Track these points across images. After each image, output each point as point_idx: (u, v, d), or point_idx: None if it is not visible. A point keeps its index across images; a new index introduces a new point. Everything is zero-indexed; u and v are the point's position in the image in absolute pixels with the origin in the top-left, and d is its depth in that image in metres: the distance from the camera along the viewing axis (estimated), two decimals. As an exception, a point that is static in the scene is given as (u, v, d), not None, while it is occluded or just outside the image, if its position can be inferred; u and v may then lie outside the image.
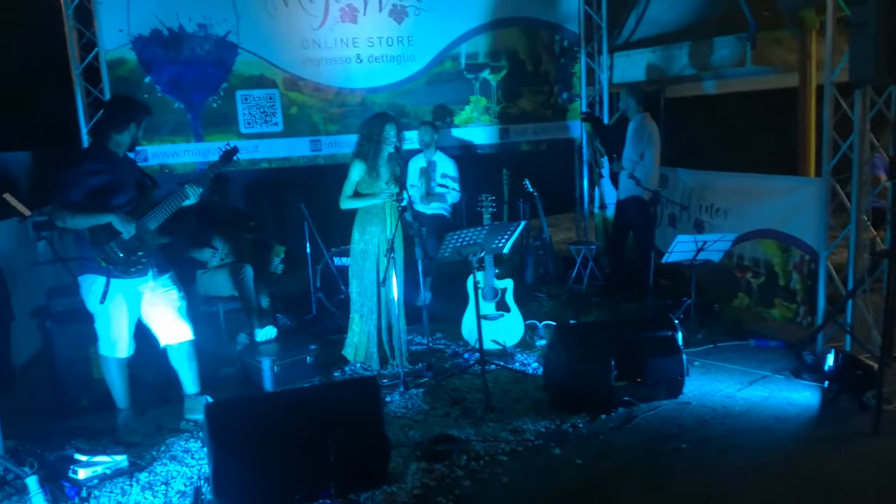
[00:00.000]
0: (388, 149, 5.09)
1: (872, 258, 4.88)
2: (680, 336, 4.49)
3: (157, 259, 4.25)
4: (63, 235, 6.07)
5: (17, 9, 7.61)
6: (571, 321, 6.01)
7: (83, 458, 3.82)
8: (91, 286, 4.11)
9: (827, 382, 4.46)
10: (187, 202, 4.22)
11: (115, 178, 4.10)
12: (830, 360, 4.48)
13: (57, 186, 4.01)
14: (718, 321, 5.82)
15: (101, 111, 4.55)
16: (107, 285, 4.02)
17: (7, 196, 5.50)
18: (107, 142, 4.15)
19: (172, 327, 4.30)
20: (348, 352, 5.36)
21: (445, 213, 6.76)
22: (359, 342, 5.30)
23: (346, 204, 5.19)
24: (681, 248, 5.46)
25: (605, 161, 7.48)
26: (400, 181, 5.14)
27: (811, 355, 4.86)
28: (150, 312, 4.27)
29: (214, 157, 4.47)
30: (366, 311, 5.25)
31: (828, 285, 5.12)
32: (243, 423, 3.48)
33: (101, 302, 4.06)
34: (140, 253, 4.11)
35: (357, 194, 5.16)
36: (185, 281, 4.63)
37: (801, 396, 4.49)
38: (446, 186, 6.63)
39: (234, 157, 4.46)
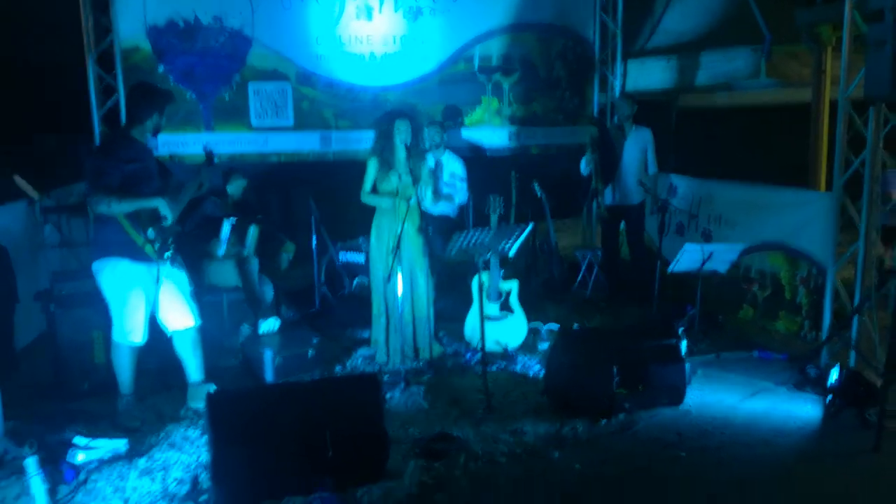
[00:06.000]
0: (400, 146, 5.09)
1: (880, 275, 4.85)
2: (683, 345, 4.47)
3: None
4: (71, 220, 6.10)
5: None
6: (575, 326, 6.00)
7: (82, 441, 3.84)
8: (112, 270, 4.10)
9: (829, 397, 4.43)
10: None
11: (144, 165, 4.16)
12: (834, 375, 4.45)
13: (94, 173, 4.00)
14: (722, 332, 5.81)
15: (126, 99, 4.58)
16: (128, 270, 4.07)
17: (16, 178, 5.54)
18: (131, 130, 4.18)
19: (179, 313, 4.32)
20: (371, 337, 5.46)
21: (452, 214, 6.75)
22: (375, 332, 5.35)
23: (365, 199, 5.24)
24: (688, 258, 5.43)
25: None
26: (415, 179, 5.13)
27: (815, 369, 4.84)
28: (160, 298, 4.28)
29: (224, 149, 4.51)
30: (374, 305, 5.32)
31: (834, 300, 5.10)
32: (244, 413, 3.49)
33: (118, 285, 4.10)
34: (170, 240, 4.15)
35: (375, 190, 5.19)
36: (191, 270, 4.64)
37: (803, 410, 4.47)
38: (454, 187, 6.62)
39: (215, 160, 4.56)
